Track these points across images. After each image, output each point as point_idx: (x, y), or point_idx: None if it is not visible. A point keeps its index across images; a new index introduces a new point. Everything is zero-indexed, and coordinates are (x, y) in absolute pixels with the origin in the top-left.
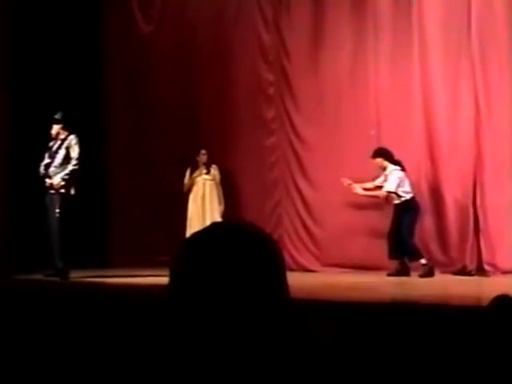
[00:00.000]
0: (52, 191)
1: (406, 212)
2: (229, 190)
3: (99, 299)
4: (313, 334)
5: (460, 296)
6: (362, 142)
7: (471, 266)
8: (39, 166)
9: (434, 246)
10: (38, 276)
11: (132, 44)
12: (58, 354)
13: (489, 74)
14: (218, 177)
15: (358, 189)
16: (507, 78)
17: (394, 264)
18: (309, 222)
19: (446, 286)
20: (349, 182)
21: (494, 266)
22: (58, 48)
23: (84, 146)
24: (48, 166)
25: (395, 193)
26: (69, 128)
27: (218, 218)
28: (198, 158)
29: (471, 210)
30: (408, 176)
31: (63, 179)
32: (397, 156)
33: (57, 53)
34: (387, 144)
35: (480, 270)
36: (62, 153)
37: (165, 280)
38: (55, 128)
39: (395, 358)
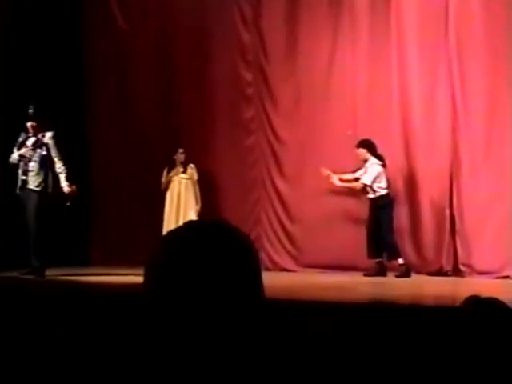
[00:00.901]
0: (29, 188)
1: (381, 208)
2: (208, 190)
3: (74, 297)
4: (289, 335)
5: (435, 296)
6: (340, 141)
7: (447, 267)
8: (9, 160)
9: (410, 246)
10: (14, 274)
11: (111, 42)
12: (34, 352)
13: (466, 71)
14: (195, 176)
15: (335, 179)
16: (484, 75)
17: (372, 264)
18: (286, 222)
19: (422, 286)
20: (327, 172)
21: (469, 266)
22: (39, 45)
23: (64, 143)
24: (26, 162)
25: (370, 186)
26: (45, 124)
27: (194, 217)
28: (175, 157)
29: (447, 210)
30: (386, 172)
31: (67, 183)
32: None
33: (37, 50)
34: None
35: (456, 271)
36: (39, 151)
37: (140, 279)
38: (29, 124)
39: (370, 358)
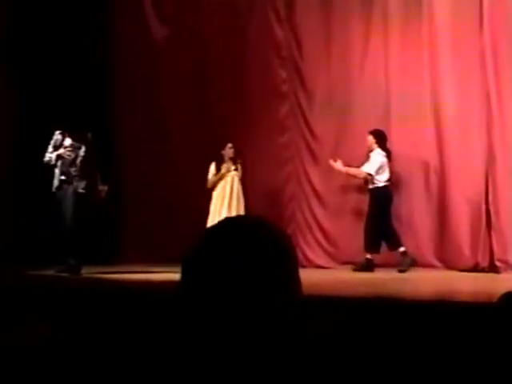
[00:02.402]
0: (74, 190)
1: (379, 200)
2: (243, 186)
3: (110, 295)
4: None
5: (470, 292)
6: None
7: (483, 263)
8: (44, 159)
9: (446, 243)
10: (50, 272)
11: (146, 44)
12: (71, 350)
13: (500, 67)
14: (241, 172)
15: (338, 164)
16: None
17: (401, 258)
18: (322, 219)
19: (457, 282)
20: (333, 162)
21: (505, 262)
22: (68, 51)
23: (97, 144)
24: (67, 163)
25: (372, 176)
26: (82, 125)
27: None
28: (223, 152)
29: (483, 207)
30: (390, 165)
31: (103, 183)
32: (407, 149)
33: (67, 56)
34: (396, 139)
35: (492, 267)
36: (79, 152)
37: (177, 276)
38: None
39: (402, 356)
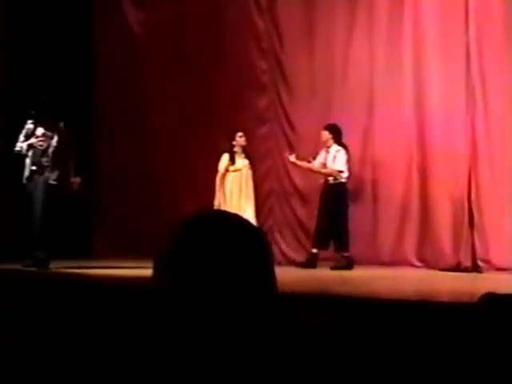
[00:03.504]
0: (45, 181)
1: (339, 196)
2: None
3: (79, 290)
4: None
5: (450, 292)
6: (356, 131)
7: (465, 262)
8: (14, 149)
9: (427, 242)
10: (17, 266)
11: (124, 34)
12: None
13: (486, 62)
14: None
15: (292, 157)
16: (505, 66)
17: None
18: (301, 215)
19: (437, 281)
20: (293, 159)
21: (487, 262)
22: (50, 44)
23: (72, 135)
24: (38, 153)
25: (343, 172)
26: (55, 114)
27: (252, 212)
28: (234, 142)
29: (466, 204)
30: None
31: (76, 175)
32: (389, 145)
33: (48, 49)
34: (379, 135)
35: (473, 267)
36: (51, 142)
37: (149, 272)
38: (38, 112)
39: (380, 356)
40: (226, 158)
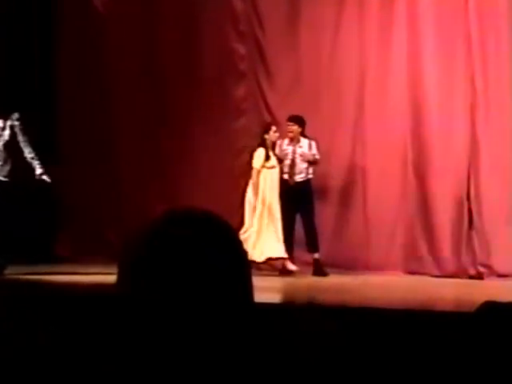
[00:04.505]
0: None
1: (309, 194)
2: (191, 177)
3: (35, 299)
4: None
5: (448, 300)
6: (343, 124)
7: (465, 268)
8: None
9: (424, 245)
10: None
11: (89, 17)
12: None
13: (487, 49)
14: None
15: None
16: (507, 57)
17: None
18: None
19: (434, 289)
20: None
21: (488, 267)
22: (9, 26)
23: (33, 128)
24: None
25: (317, 160)
26: (8, 105)
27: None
28: (267, 136)
29: (466, 204)
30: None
31: (43, 170)
32: (382, 140)
33: (7, 31)
34: (371, 128)
35: (474, 272)
36: (2, 136)
37: (113, 278)
38: None
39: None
40: (261, 153)
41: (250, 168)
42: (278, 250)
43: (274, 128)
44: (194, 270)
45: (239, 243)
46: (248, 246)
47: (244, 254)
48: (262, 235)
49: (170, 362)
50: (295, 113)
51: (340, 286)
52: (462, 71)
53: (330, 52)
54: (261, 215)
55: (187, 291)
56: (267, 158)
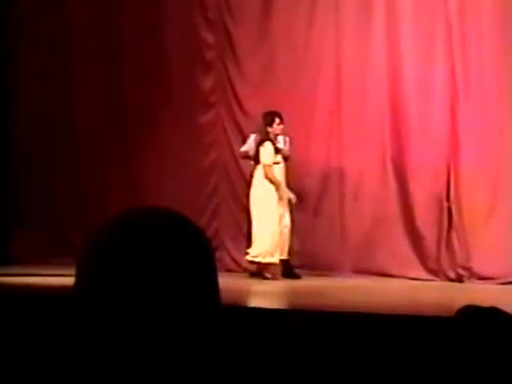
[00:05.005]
0: None
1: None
2: (153, 174)
3: None
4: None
5: (427, 304)
6: (318, 118)
7: (444, 271)
8: None
9: (402, 247)
10: None
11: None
12: None
13: (468, 40)
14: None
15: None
16: (489, 44)
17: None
18: None
19: (411, 292)
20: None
21: (469, 270)
22: None
23: None
24: None
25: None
26: None
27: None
28: (270, 129)
29: (445, 204)
30: None
31: None
32: (359, 135)
33: None
34: (347, 123)
35: (453, 276)
36: None
37: (71, 281)
38: None
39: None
40: (270, 147)
41: (255, 164)
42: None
43: (277, 120)
44: (155, 268)
45: (205, 242)
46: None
47: (210, 252)
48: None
49: (128, 364)
50: (267, 106)
51: (316, 289)
52: (442, 63)
53: (305, 41)
54: (282, 215)
55: (148, 290)
56: (276, 151)
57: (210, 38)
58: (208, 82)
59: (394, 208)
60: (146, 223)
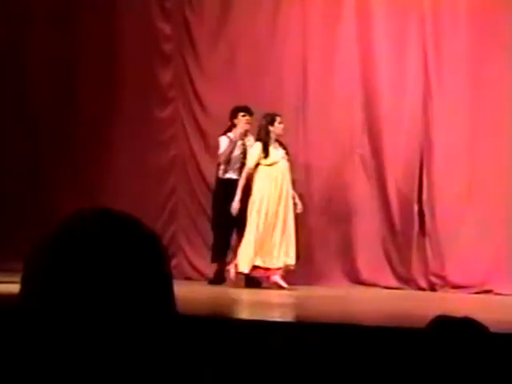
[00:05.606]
0: None
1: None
2: (109, 174)
3: None
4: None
5: (395, 315)
6: (283, 115)
7: (416, 279)
8: None
9: (369, 254)
10: None
11: None
12: None
13: (441, 37)
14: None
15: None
16: (465, 39)
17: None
18: None
19: (381, 302)
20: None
21: (442, 277)
22: None
23: None
24: None
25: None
26: None
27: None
28: (272, 129)
29: (416, 207)
30: None
31: None
32: (327, 135)
33: None
34: (314, 120)
35: (426, 284)
36: None
37: (15, 287)
38: None
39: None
40: (258, 149)
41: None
42: (275, 260)
43: (278, 119)
44: (104, 274)
45: (158, 247)
46: (248, 254)
47: (164, 259)
48: (265, 243)
49: (79, 370)
50: (228, 102)
51: (287, 299)
52: (415, 60)
53: (269, 31)
54: (264, 220)
55: (97, 303)
56: (266, 154)
57: (167, 29)
58: (166, 76)
59: (365, 209)
60: (94, 228)
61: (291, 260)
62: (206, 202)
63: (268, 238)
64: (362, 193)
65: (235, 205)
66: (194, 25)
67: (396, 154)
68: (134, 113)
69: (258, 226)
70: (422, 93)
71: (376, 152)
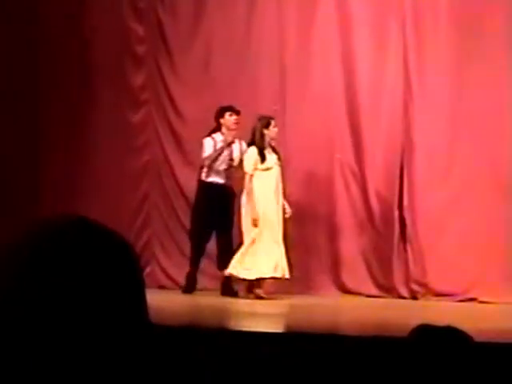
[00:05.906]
0: None
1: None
2: (80, 180)
3: None
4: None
5: (376, 324)
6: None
7: (397, 287)
8: None
9: (349, 262)
10: None
11: None
12: None
13: (423, 35)
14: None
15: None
16: (445, 39)
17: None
18: (187, 223)
19: (361, 310)
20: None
21: (424, 286)
22: None
23: None
24: None
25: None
26: None
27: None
28: (266, 132)
29: (396, 213)
30: None
31: None
32: (305, 138)
33: None
34: (292, 123)
35: (406, 291)
36: None
37: None
38: None
39: None
40: (254, 153)
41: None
42: (271, 269)
43: (273, 122)
44: (72, 285)
45: (130, 256)
46: (245, 262)
47: (136, 268)
48: (261, 252)
49: (51, 379)
50: (202, 105)
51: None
52: (395, 58)
53: (245, 32)
54: (262, 229)
55: (66, 307)
56: (262, 158)
57: (140, 30)
58: (139, 79)
59: (345, 215)
60: (66, 236)
61: (285, 272)
62: (180, 207)
63: (263, 247)
64: (342, 199)
65: (254, 215)
66: (167, 26)
67: (376, 158)
68: (105, 117)
69: (255, 235)
70: (403, 94)
71: (356, 156)
